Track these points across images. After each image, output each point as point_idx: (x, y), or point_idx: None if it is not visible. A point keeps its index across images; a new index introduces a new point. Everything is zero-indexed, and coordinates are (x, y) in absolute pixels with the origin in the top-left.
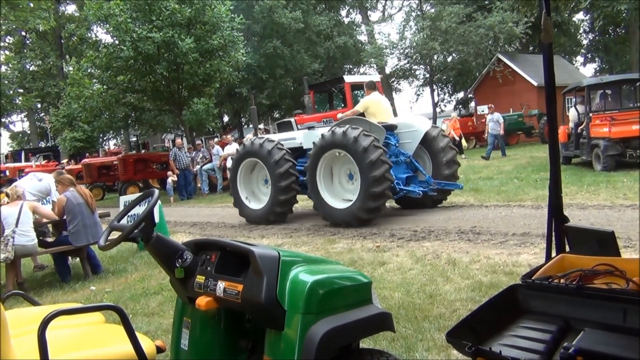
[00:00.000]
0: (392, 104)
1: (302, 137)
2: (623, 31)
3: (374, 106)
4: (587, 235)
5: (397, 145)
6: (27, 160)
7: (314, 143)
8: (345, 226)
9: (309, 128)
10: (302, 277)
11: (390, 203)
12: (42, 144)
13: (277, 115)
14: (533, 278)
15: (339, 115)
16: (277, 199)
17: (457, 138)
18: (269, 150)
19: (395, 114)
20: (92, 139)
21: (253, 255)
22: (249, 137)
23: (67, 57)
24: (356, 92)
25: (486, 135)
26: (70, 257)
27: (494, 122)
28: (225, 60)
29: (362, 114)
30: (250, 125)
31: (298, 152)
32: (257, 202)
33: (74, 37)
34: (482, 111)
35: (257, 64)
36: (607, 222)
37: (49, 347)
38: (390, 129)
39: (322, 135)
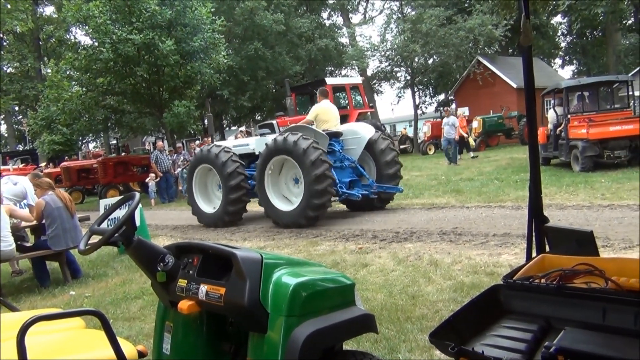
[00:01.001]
0: (374, 106)
1: (255, 143)
2: (600, 34)
3: (323, 114)
4: (567, 235)
5: (341, 151)
6: (4, 163)
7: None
8: (293, 227)
9: (261, 135)
10: (285, 279)
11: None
12: (20, 147)
13: (259, 117)
14: (514, 278)
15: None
16: (228, 198)
17: (465, 135)
18: (217, 154)
19: (377, 117)
20: (71, 142)
21: (235, 258)
22: (196, 144)
23: (46, 59)
24: (337, 94)
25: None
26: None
27: (449, 125)
28: (206, 63)
29: (312, 122)
30: (233, 128)
31: (251, 158)
32: (213, 205)
33: (52, 39)
34: (463, 113)
35: (239, 66)
36: (585, 222)
37: (28, 353)
38: (336, 135)
39: (266, 143)
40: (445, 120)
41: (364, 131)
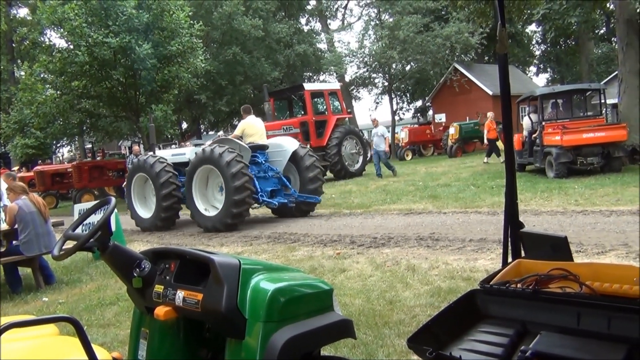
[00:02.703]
0: (352, 112)
1: (190, 153)
2: (573, 43)
3: (249, 128)
4: (542, 241)
5: (265, 162)
6: None
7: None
8: (213, 231)
9: (195, 145)
10: (263, 285)
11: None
12: None
13: (237, 122)
14: (491, 283)
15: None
16: (161, 206)
17: (493, 139)
18: (151, 164)
19: (355, 123)
20: (45, 146)
21: (213, 263)
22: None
23: (19, 61)
24: (316, 99)
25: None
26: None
27: (377, 136)
28: (184, 67)
29: (241, 136)
30: (210, 132)
31: (187, 167)
32: (149, 211)
33: (26, 41)
34: (440, 119)
35: (217, 71)
36: (560, 228)
37: None
38: (262, 148)
39: (195, 152)
40: (373, 131)
41: (288, 145)
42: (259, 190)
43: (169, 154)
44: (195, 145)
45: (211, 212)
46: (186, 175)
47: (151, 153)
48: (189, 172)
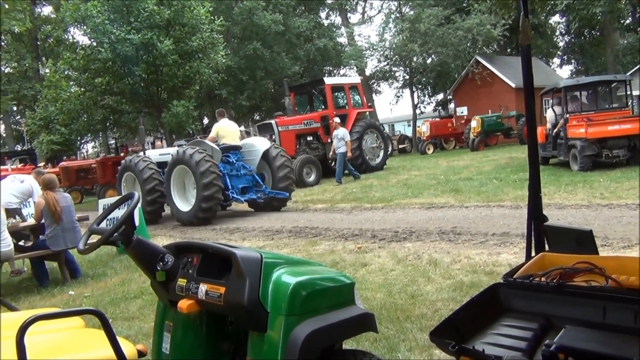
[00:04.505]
0: (373, 105)
1: (175, 153)
2: (598, 33)
3: (222, 130)
4: (566, 234)
5: (237, 161)
6: (3, 163)
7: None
8: (189, 225)
9: (178, 146)
10: (285, 278)
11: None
12: (19, 147)
13: (258, 117)
14: (514, 277)
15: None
16: (145, 200)
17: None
18: (136, 163)
19: (376, 117)
20: (70, 142)
21: (235, 257)
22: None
23: (44, 59)
24: (336, 93)
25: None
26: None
27: (337, 139)
28: (205, 62)
29: (216, 138)
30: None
31: None
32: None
33: (50, 39)
34: (462, 113)
35: (237, 66)
36: (584, 221)
37: (27, 353)
38: (235, 148)
39: (172, 154)
40: (335, 132)
41: (260, 144)
42: (230, 187)
43: (157, 154)
44: (178, 146)
45: (187, 208)
46: (165, 173)
47: (138, 154)
48: (167, 171)
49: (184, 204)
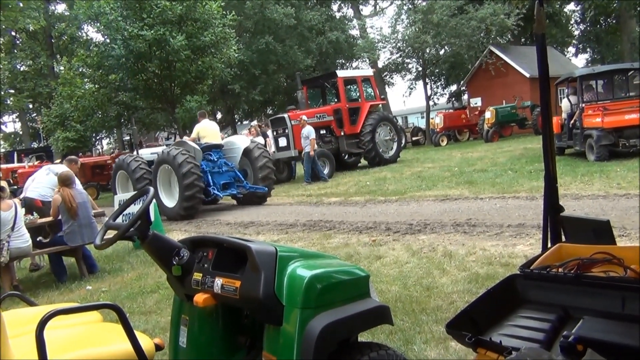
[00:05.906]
0: (386, 98)
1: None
2: (614, 21)
3: (203, 131)
4: (583, 225)
5: (218, 159)
6: (19, 161)
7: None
8: (174, 219)
9: (167, 145)
10: (300, 272)
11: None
12: (35, 145)
13: (271, 111)
14: (531, 268)
15: (185, 138)
16: None
17: None
18: (128, 163)
19: (389, 109)
20: (85, 139)
21: (250, 251)
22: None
23: (58, 56)
24: (349, 86)
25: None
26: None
27: (303, 138)
28: (217, 57)
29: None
30: (245, 122)
31: None
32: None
33: (64, 37)
34: (475, 104)
35: (250, 60)
36: (601, 212)
37: (47, 347)
38: (216, 147)
39: (157, 153)
40: (302, 131)
41: (240, 142)
42: (212, 183)
43: (148, 153)
44: (167, 145)
45: (172, 204)
46: (153, 172)
47: (129, 154)
48: (154, 170)
49: (170, 200)
